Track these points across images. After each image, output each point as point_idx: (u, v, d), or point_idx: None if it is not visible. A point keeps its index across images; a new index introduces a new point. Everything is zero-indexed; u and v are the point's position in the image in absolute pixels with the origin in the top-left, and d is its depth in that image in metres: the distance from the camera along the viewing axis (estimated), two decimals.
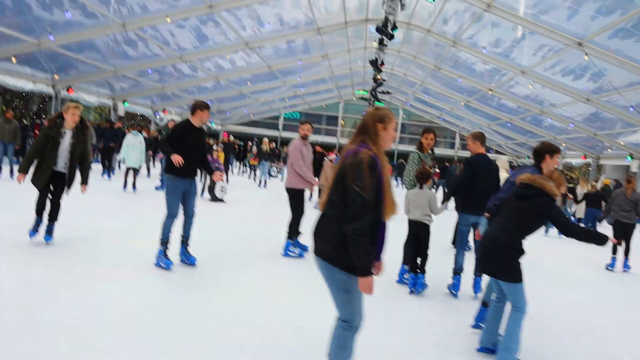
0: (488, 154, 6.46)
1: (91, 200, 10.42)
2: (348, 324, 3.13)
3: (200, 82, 23.85)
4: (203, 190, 14.37)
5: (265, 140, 21.03)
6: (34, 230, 6.64)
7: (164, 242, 6.22)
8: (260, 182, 20.65)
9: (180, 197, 6.23)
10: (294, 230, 7.61)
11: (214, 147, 17.32)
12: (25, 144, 17.39)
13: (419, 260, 6.32)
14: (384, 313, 5.36)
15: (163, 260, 6.16)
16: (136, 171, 13.62)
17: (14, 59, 15.80)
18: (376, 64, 20.37)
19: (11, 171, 13.78)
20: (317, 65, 25.59)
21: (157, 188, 14.45)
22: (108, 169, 16.88)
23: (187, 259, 6.42)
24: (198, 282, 5.79)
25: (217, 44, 18.86)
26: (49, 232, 6.65)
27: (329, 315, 3.80)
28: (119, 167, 20.74)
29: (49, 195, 6.67)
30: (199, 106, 6.34)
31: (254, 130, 42.77)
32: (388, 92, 30.01)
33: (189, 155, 6.19)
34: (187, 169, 6.21)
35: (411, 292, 6.24)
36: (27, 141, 18.17)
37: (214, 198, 13.62)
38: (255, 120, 42.57)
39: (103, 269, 5.81)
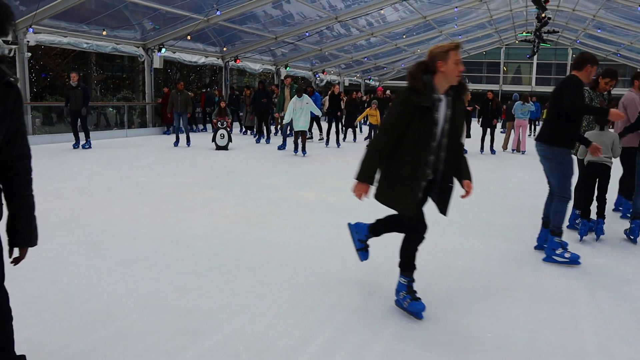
0: None
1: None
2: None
3: (355, 40, 24.19)
4: None
5: None
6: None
7: (560, 232, 5.15)
8: None
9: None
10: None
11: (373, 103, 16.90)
12: (194, 114, 19.40)
13: (595, 205, 6.04)
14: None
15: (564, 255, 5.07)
16: (304, 133, 13.45)
17: (189, 37, 17.39)
18: (540, 2, 19.01)
19: (187, 139, 14.81)
20: (475, 10, 24.54)
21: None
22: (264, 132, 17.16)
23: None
24: None
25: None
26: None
27: None
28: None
29: None
30: (589, 60, 5.09)
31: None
32: (554, 32, 27.80)
33: None
34: None
35: (581, 239, 6.01)
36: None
37: None
38: None
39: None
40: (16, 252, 2.40)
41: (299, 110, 13.12)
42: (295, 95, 13.38)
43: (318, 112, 14.01)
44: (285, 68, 24.48)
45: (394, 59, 32.16)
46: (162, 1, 14.80)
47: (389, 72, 38.13)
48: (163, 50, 17.14)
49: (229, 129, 14.18)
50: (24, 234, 2.36)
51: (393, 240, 5.68)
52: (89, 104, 12.77)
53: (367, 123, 18.14)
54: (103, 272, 4.45)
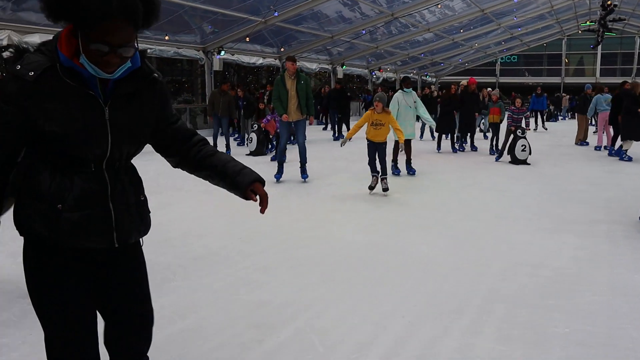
0: None
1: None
2: None
3: (412, 36, 23.98)
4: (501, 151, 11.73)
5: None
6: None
7: None
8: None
9: None
10: None
11: None
12: (240, 117, 15.52)
13: None
14: None
15: None
16: (409, 144, 9.79)
17: (247, 39, 17.68)
18: None
19: (227, 146, 13.29)
20: (534, 1, 23.85)
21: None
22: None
23: None
24: None
25: None
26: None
27: None
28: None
29: None
30: None
31: (464, 80, 41.55)
32: (620, 20, 26.66)
33: None
34: None
35: None
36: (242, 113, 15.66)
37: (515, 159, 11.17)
38: (470, 69, 41.32)
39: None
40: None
41: (404, 109, 9.52)
42: (401, 89, 9.77)
43: (432, 123, 10.40)
44: (342, 67, 24.52)
45: (451, 54, 31.63)
46: (220, 5, 15.11)
47: (446, 68, 37.54)
48: (222, 52, 17.50)
49: (264, 131, 12.76)
50: (245, 169, 2.08)
51: (451, 239, 5.64)
52: None
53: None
54: (177, 267, 4.61)
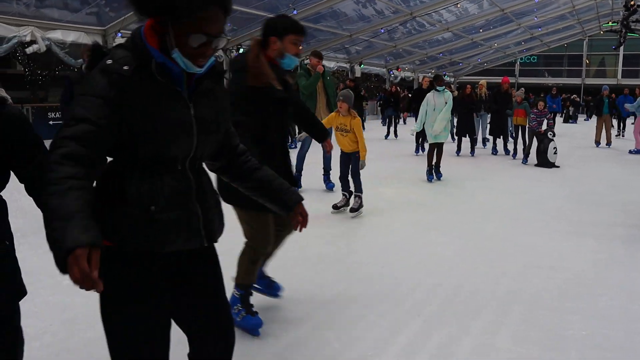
0: None
1: None
2: None
3: (431, 35, 23.89)
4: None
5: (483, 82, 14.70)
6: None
7: None
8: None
9: None
10: None
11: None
12: None
13: None
14: None
15: None
16: (441, 147, 8.99)
17: None
18: None
19: None
20: (556, 1, 23.64)
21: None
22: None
23: None
24: None
25: None
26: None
27: None
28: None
29: None
30: None
31: (487, 79, 41.30)
32: None
33: None
34: None
35: None
36: None
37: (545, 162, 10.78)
38: (489, 69, 41.05)
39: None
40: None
41: (432, 110, 8.81)
42: (434, 89, 9.03)
43: (418, 127, 9.19)
44: (360, 65, 24.52)
45: (470, 54, 31.45)
46: (239, 2, 15.18)
47: (465, 68, 37.34)
48: (241, 50, 17.60)
49: None
50: (290, 189, 2.15)
51: (468, 240, 5.64)
52: None
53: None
54: None
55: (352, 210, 6.48)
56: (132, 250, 1.71)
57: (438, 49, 26.75)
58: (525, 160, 11.38)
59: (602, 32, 36.65)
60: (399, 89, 21.59)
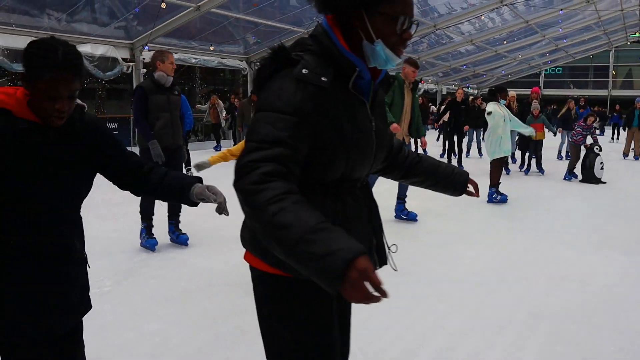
0: None
1: None
2: None
3: (454, 47, 23.84)
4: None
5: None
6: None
7: None
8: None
9: None
10: None
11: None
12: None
13: None
14: None
15: None
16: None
17: None
18: None
19: None
20: (581, 12, 23.42)
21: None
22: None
23: None
24: None
25: (471, 5, 18.64)
26: None
27: None
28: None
29: None
30: None
31: (512, 91, 40.94)
32: None
33: None
34: None
35: None
36: None
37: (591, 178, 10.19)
38: (513, 81, 40.77)
39: None
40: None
41: (508, 122, 8.21)
42: (498, 100, 8.37)
43: (529, 131, 8.88)
44: None
45: (494, 66, 31.27)
46: (264, 16, 15.37)
47: (488, 80, 37.13)
48: None
49: None
50: (456, 170, 2.06)
51: (497, 253, 5.58)
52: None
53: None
54: (218, 272, 4.70)
55: None
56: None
57: (461, 61, 26.67)
58: (568, 176, 10.62)
59: (628, 43, 36.16)
60: (424, 101, 21.51)
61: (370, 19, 1.47)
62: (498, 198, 8.11)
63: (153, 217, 5.46)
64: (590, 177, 10.15)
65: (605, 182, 10.20)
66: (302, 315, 1.58)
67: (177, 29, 13.82)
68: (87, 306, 2.06)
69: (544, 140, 11.37)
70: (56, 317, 1.88)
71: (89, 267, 2.06)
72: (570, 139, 10.89)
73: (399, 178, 2.02)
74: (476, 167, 11.41)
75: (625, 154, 15.18)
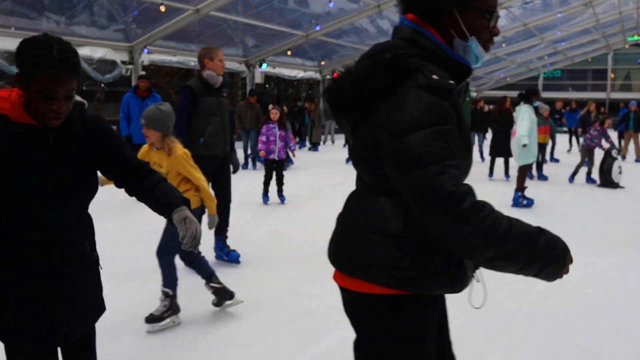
0: None
1: None
2: None
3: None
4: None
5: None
6: None
7: None
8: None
9: None
10: None
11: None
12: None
13: None
14: None
15: None
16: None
17: (289, 52, 17.93)
18: None
19: (253, 159, 12.62)
20: (579, 15, 23.47)
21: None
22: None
23: None
24: None
25: None
26: None
27: None
28: None
29: None
30: None
31: (511, 94, 41.05)
32: None
33: None
34: None
35: None
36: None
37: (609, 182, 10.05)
38: (511, 83, 40.80)
39: None
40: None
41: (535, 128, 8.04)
42: (526, 104, 8.18)
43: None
44: None
45: (492, 69, 31.34)
46: (263, 19, 15.39)
47: (487, 83, 37.19)
48: (264, 65, 17.76)
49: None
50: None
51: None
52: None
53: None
54: (220, 276, 4.69)
55: (217, 304, 3.87)
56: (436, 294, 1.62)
57: None
58: (571, 178, 10.59)
59: (627, 46, 36.24)
60: None
61: (462, 16, 1.45)
62: (525, 202, 8.03)
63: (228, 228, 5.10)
64: (608, 182, 10.02)
65: (623, 187, 10.01)
66: (421, 331, 1.59)
67: (176, 32, 13.83)
68: (100, 309, 2.03)
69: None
70: (64, 321, 1.83)
71: (101, 268, 2.03)
72: (583, 142, 10.73)
73: None
74: (477, 169, 11.33)
75: (623, 157, 15.20)
